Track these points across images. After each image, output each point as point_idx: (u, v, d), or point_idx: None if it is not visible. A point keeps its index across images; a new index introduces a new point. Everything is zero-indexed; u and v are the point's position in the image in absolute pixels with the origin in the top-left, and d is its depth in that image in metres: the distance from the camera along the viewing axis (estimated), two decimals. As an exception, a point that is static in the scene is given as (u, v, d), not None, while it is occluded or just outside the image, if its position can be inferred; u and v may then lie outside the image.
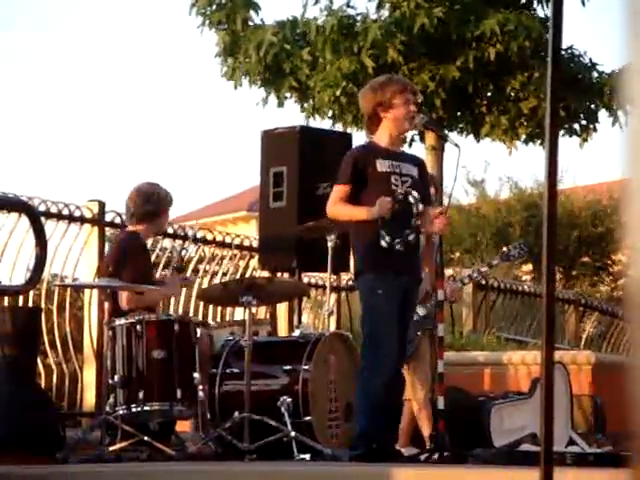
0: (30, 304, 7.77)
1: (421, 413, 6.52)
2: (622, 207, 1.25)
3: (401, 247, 5.71)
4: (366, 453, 5.53)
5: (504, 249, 7.44)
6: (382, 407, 5.61)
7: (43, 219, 7.59)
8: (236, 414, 5.97)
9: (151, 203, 6.62)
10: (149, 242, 7.49)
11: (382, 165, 5.79)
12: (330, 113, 11.67)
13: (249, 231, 14.88)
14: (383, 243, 5.67)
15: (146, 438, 5.86)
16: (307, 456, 5.85)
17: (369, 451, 5.54)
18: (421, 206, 5.82)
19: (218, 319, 9.04)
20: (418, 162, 6.08)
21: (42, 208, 7.84)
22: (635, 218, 1.23)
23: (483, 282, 11.69)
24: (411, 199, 5.80)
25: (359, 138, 12.96)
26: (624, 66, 1.28)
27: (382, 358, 5.60)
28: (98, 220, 8.20)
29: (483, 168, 28.99)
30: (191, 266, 9.35)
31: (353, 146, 6.09)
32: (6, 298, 7.55)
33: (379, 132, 5.87)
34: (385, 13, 11.42)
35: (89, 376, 8.00)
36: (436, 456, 5.73)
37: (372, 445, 5.57)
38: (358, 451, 5.57)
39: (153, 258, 7.97)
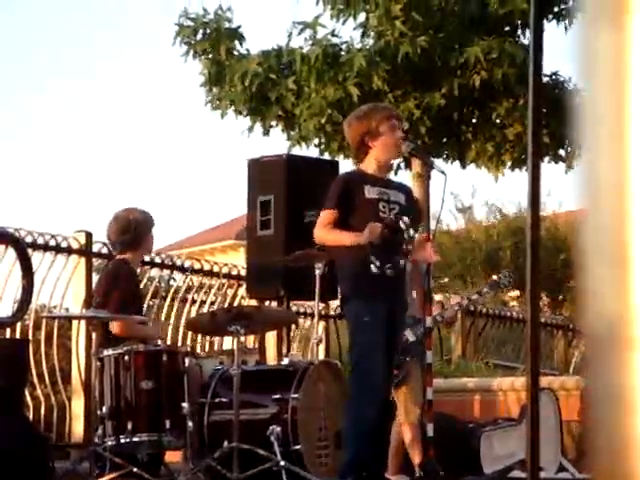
0: (18, 335, 7.75)
1: (412, 439, 6.51)
2: (578, 239, 1.27)
3: (392, 273, 5.71)
4: None
5: (494, 278, 7.48)
6: (371, 435, 5.59)
7: (30, 250, 7.59)
8: (225, 444, 5.95)
9: (129, 231, 6.59)
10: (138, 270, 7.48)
11: (370, 192, 5.80)
12: (316, 141, 11.71)
13: (238, 259, 14.87)
14: (374, 269, 5.67)
15: (135, 469, 5.84)
16: (297, 485, 5.84)
17: (358, 479, 5.53)
18: (412, 231, 5.84)
19: (206, 348, 9.03)
20: (406, 190, 6.11)
21: (29, 239, 7.83)
22: (590, 256, 1.25)
23: (472, 308, 11.70)
24: (402, 225, 5.82)
25: (345, 166, 13.00)
26: (578, 97, 1.30)
27: (370, 386, 5.59)
28: (85, 250, 8.20)
29: (471, 194, 29.09)
30: (179, 295, 9.35)
31: (340, 173, 6.12)
32: (-6, 330, 7.53)
33: (367, 160, 5.89)
34: (370, 42, 11.48)
35: (77, 407, 7.97)
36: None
37: (362, 474, 5.56)
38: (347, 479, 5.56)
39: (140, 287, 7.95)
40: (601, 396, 1.19)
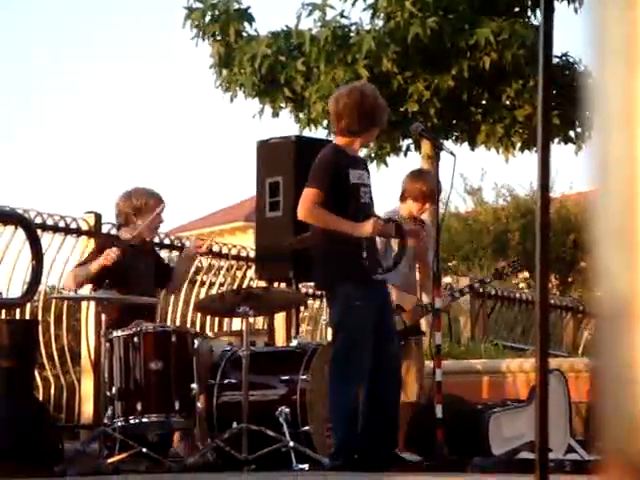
0: (27, 316, 7.77)
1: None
2: (589, 220, 1.27)
3: (376, 261, 5.78)
4: (346, 464, 5.51)
5: (497, 267, 7.48)
6: (358, 417, 5.58)
7: (39, 231, 7.59)
8: (234, 425, 5.97)
9: (128, 206, 6.68)
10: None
11: (353, 176, 5.78)
12: (325, 123, 11.69)
13: (247, 241, 14.87)
14: (365, 256, 5.71)
15: (144, 450, 5.86)
16: (306, 466, 5.85)
17: (350, 462, 5.51)
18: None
19: (215, 330, 9.04)
20: (367, 167, 6.12)
21: (38, 220, 7.84)
22: (600, 235, 1.25)
23: (480, 290, 11.69)
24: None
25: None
26: (589, 78, 1.30)
27: (354, 369, 5.59)
28: (94, 232, 8.20)
29: (480, 176, 28.97)
30: (188, 277, 9.35)
31: (326, 152, 5.91)
32: (3, 310, 7.55)
33: (357, 139, 5.84)
34: (379, 23, 11.44)
35: (87, 388, 7.99)
36: (435, 464, 5.73)
37: (353, 456, 5.55)
38: (338, 462, 5.55)
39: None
40: (612, 375, 1.19)
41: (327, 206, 5.67)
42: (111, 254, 6.46)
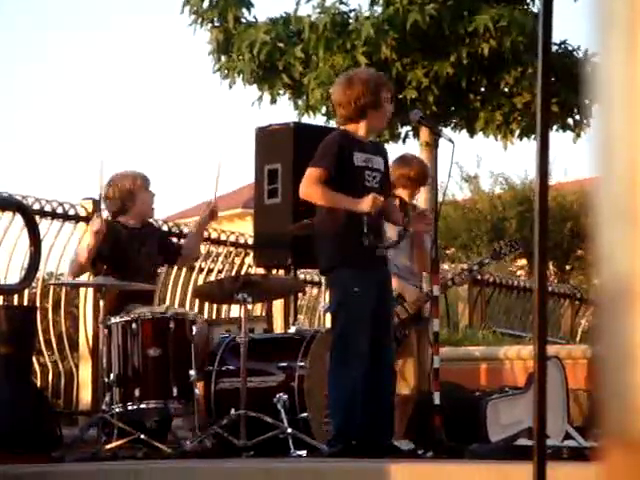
0: (25, 303, 7.77)
1: (398, 409, 6.46)
2: (590, 206, 1.27)
3: (379, 245, 5.70)
4: (344, 450, 5.50)
5: (495, 247, 7.30)
6: (357, 403, 5.58)
7: (38, 218, 7.59)
8: (232, 411, 5.98)
9: (119, 194, 6.70)
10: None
11: (358, 159, 5.73)
12: (324, 110, 11.68)
13: (245, 228, 14.88)
14: (366, 239, 5.61)
15: (142, 436, 5.87)
16: (303, 452, 5.86)
17: (348, 448, 5.51)
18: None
19: (214, 316, 9.04)
20: (383, 153, 6.02)
21: (36, 207, 7.83)
22: (603, 217, 1.25)
23: (478, 277, 11.69)
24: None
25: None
26: (592, 63, 1.30)
27: (353, 355, 5.57)
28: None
29: (476, 163, 28.92)
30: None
31: (331, 134, 5.89)
32: (1, 297, 7.55)
33: (359, 125, 5.80)
34: (378, 9, 11.43)
35: (85, 374, 8.00)
36: (432, 451, 5.74)
37: (351, 442, 5.56)
38: (336, 448, 5.55)
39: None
40: (614, 356, 1.19)
41: (331, 187, 5.63)
42: (95, 222, 6.49)
